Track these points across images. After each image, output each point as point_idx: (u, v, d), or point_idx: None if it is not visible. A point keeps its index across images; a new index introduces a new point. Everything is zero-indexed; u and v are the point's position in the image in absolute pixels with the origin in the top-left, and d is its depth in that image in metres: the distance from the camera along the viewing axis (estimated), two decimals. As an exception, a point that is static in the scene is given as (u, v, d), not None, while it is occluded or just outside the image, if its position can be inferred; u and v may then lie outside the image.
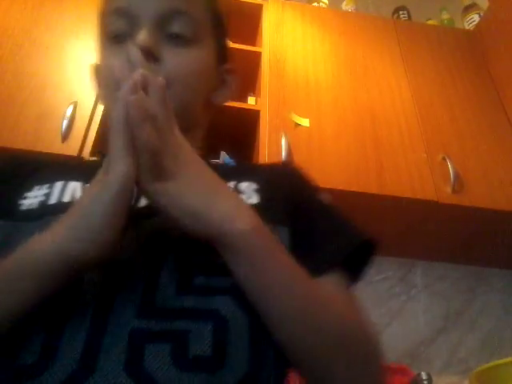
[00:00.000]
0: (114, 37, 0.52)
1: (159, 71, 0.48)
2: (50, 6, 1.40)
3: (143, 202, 0.45)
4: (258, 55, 1.49)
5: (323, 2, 1.88)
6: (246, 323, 0.40)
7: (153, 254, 0.42)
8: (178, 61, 0.51)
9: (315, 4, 1.85)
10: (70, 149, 1.14)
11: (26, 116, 1.17)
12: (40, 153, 0.52)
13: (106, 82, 0.52)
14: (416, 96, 1.50)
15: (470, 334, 1.50)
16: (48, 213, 0.45)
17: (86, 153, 1.15)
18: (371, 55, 1.59)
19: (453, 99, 1.53)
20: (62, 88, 1.24)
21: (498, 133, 1.46)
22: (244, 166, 0.59)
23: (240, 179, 0.51)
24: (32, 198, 0.48)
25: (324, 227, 0.51)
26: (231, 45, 1.51)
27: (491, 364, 1.01)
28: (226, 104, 1.35)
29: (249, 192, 0.50)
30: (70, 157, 0.50)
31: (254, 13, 1.62)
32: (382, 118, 1.42)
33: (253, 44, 1.61)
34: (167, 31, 0.51)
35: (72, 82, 1.26)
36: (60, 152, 1.13)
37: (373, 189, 1.25)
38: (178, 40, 0.52)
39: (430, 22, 1.95)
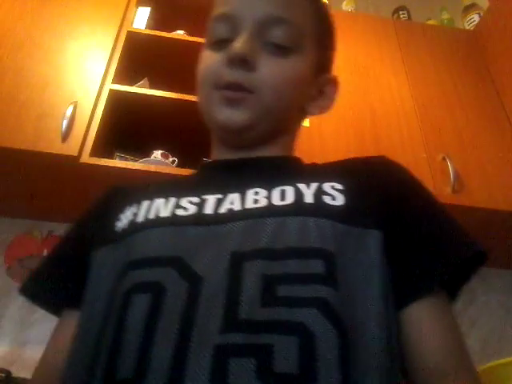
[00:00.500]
0: (215, 41, 0.55)
1: (251, 79, 0.51)
2: (50, 7, 1.40)
3: (224, 208, 0.47)
4: (258, 55, 1.49)
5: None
6: (336, 340, 0.36)
7: (234, 263, 0.40)
8: (272, 70, 0.52)
9: (315, 4, 1.85)
10: (70, 149, 1.14)
11: (27, 116, 1.17)
12: (133, 183, 0.56)
13: (203, 79, 0.55)
14: (416, 96, 1.50)
15: (470, 334, 1.50)
16: (135, 230, 0.47)
17: (86, 153, 1.15)
18: (371, 55, 1.59)
19: (453, 99, 1.53)
20: (62, 88, 1.24)
21: (498, 133, 1.46)
22: (331, 165, 0.55)
23: (323, 180, 0.49)
24: (124, 219, 0.50)
25: (425, 233, 0.46)
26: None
27: (491, 364, 1.01)
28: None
29: (333, 193, 0.47)
30: (159, 178, 0.53)
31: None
32: (381, 118, 1.42)
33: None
34: (266, 39, 0.52)
35: (72, 82, 1.26)
36: (60, 152, 1.13)
37: (373, 189, 1.25)
38: (276, 49, 0.52)
39: (429, 22, 1.95)
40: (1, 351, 1.29)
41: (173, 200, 0.49)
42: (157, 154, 1.31)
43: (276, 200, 0.46)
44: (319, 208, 0.45)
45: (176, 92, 1.31)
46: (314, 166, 0.58)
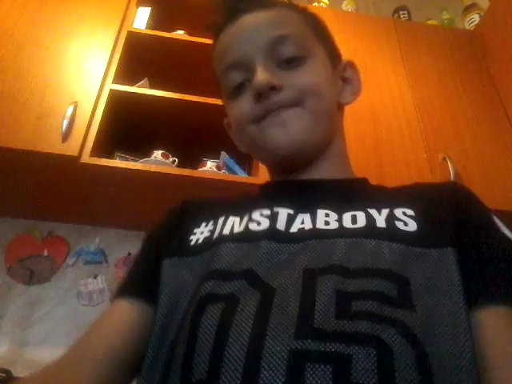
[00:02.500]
0: (233, 89, 0.56)
1: (286, 96, 0.52)
2: (50, 7, 1.40)
3: (295, 228, 0.48)
4: (258, 55, 1.49)
5: (323, 2, 1.89)
6: (414, 358, 0.35)
7: (307, 277, 0.41)
8: (300, 79, 0.53)
9: (315, 4, 1.85)
10: (70, 149, 1.14)
11: (27, 116, 1.17)
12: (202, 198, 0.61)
13: (240, 125, 0.56)
14: (416, 96, 1.50)
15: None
16: (211, 245, 0.49)
17: (86, 153, 1.15)
18: (371, 55, 1.59)
19: (453, 99, 1.53)
20: (63, 88, 1.24)
21: (498, 133, 1.46)
22: (399, 190, 0.55)
23: (394, 205, 0.49)
24: (198, 234, 0.53)
25: (497, 253, 0.45)
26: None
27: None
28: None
29: (405, 219, 0.47)
30: (232, 194, 0.54)
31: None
32: (382, 118, 1.42)
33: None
34: (279, 58, 0.54)
35: (72, 82, 1.26)
36: (60, 152, 1.13)
37: (373, 189, 1.25)
38: (290, 63, 0.54)
39: (430, 22, 1.95)
40: (1, 351, 1.29)
41: (246, 216, 0.52)
42: (157, 153, 1.31)
43: (347, 223, 0.47)
44: (392, 233, 0.45)
45: (176, 92, 1.31)
46: (381, 189, 0.57)
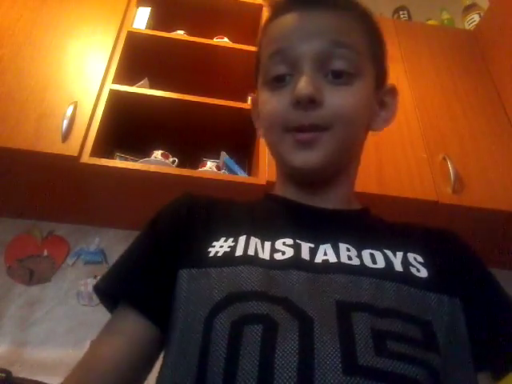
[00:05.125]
0: (273, 79, 0.54)
1: (322, 116, 0.50)
2: (50, 7, 1.40)
3: (319, 258, 0.48)
4: (258, 55, 1.49)
5: (323, 2, 1.88)
6: None
7: (342, 310, 0.42)
8: (340, 102, 0.51)
9: (315, 4, 1.85)
10: (70, 149, 1.14)
11: (27, 116, 1.17)
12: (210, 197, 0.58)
13: (271, 123, 0.55)
14: (416, 96, 1.50)
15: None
16: (236, 262, 0.47)
17: (87, 153, 1.15)
18: (371, 55, 1.58)
19: (453, 99, 1.52)
20: (63, 88, 1.24)
21: (498, 133, 1.46)
22: (404, 229, 0.57)
23: (406, 249, 0.51)
24: (218, 247, 0.50)
25: (500, 305, 0.51)
26: (231, 45, 1.52)
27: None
28: (226, 104, 1.36)
29: (417, 265, 0.49)
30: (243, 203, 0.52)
31: (254, 13, 1.62)
32: (382, 118, 1.42)
33: (253, 44, 1.61)
34: (327, 69, 0.51)
35: (72, 82, 1.26)
36: (60, 152, 1.13)
37: (373, 188, 1.25)
38: (338, 78, 0.51)
39: (430, 22, 1.95)
40: (1, 351, 1.29)
41: (269, 242, 0.50)
42: (157, 153, 1.31)
43: (368, 262, 0.48)
44: (409, 277, 0.47)
45: (176, 92, 1.31)
46: (387, 225, 0.58)
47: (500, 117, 1.50)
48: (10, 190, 1.33)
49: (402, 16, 1.98)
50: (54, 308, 1.38)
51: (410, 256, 0.50)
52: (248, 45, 1.48)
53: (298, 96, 0.49)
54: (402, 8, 2.01)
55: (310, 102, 0.49)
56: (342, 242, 0.50)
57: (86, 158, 1.15)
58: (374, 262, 0.48)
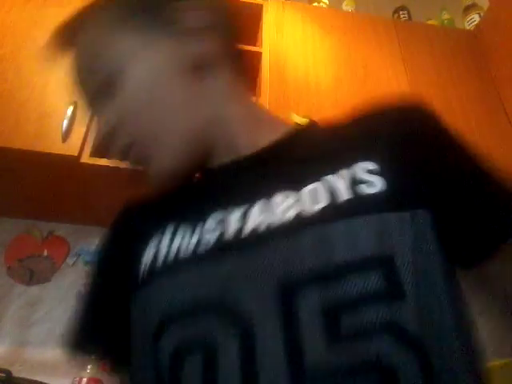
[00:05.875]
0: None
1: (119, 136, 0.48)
2: (50, 7, 1.39)
3: (248, 228, 0.40)
4: (258, 55, 1.49)
5: (323, 2, 1.88)
6: (418, 368, 0.32)
7: (285, 298, 0.35)
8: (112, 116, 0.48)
9: (315, 4, 1.85)
10: (70, 149, 1.14)
11: (27, 116, 1.17)
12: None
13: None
14: (416, 96, 1.50)
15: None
16: (158, 276, 0.42)
17: (87, 153, 1.15)
18: (371, 55, 1.58)
19: (453, 99, 1.52)
20: (63, 88, 1.24)
21: (499, 133, 1.46)
22: (350, 132, 0.45)
23: (352, 161, 0.41)
24: (146, 258, 0.45)
25: (481, 205, 0.41)
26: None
27: (491, 364, 1.01)
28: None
29: (369, 178, 0.39)
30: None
31: (254, 13, 1.62)
32: (382, 118, 1.42)
33: (253, 44, 1.61)
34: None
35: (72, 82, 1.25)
36: (60, 152, 1.13)
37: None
38: (106, 96, 0.48)
39: (430, 22, 1.95)
40: (1, 351, 1.29)
41: (199, 226, 0.43)
42: (157, 154, 1.31)
43: (308, 205, 0.39)
44: (359, 203, 0.38)
45: (176, 92, 1.31)
46: (332, 135, 0.47)
47: (500, 117, 1.50)
48: (10, 189, 1.33)
49: (401, 16, 1.98)
50: (54, 308, 1.38)
51: (359, 168, 0.40)
52: (248, 45, 1.48)
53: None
54: (402, 8, 2.01)
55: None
56: (277, 192, 0.41)
57: (85, 158, 1.15)
58: (315, 200, 0.39)
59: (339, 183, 0.40)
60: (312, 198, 0.39)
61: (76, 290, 1.42)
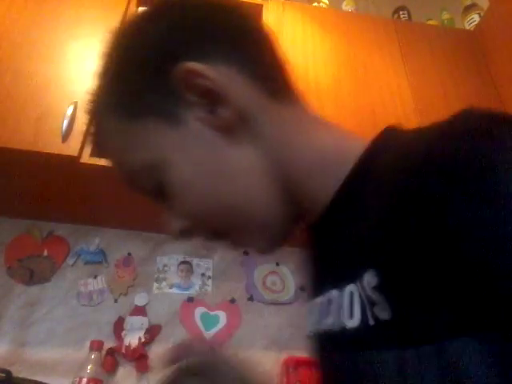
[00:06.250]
0: None
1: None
2: (49, 7, 1.39)
3: (345, 321, 0.33)
4: (258, 55, 1.49)
5: (323, 2, 1.88)
6: None
7: None
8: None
9: (315, 4, 1.85)
10: (70, 149, 1.14)
11: (26, 116, 1.17)
12: None
13: None
14: (416, 96, 1.50)
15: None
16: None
17: (87, 153, 1.15)
18: (371, 55, 1.58)
19: (453, 99, 1.52)
20: (63, 88, 1.24)
21: (498, 133, 1.46)
22: (366, 225, 0.33)
23: (362, 268, 0.30)
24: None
25: None
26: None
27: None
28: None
29: (374, 298, 0.29)
30: None
31: (254, 13, 1.62)
32: (382, 118, 1.42)
33: (253, 44, 1.61)
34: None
35: (72, 82, 1.26)
36: (60, 152, 1.13)
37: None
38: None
39: (430, 22, 1.95)
40: (1, 351, 1.29)
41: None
42: (157, 154, 1.31)
43: (346, 318, 0.33)
44: (368, 339, 0.31)
45: (176, 92, 1.31)
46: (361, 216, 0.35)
47: (500, 117, 1.50)
48: (10, 189, 1.33)
49: (402, 16, 1.98)
50: (54, 308, 1.38)
51: (365, 284, 0.30)
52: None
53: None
54: (402, 8, 2.01)
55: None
56: (345, 282, 0.34)
57: (85, 158, 1.15)
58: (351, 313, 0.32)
59: (344, 307, 0.33)
60: (349, 307, 0.33)
61: (76, 290, 1.42)
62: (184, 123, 0.39)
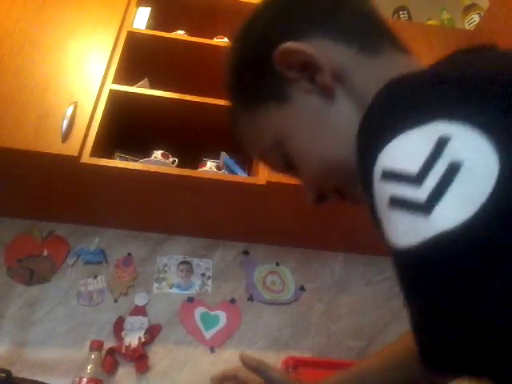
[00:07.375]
0: None
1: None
2: (50, 7, 1.39)
3: None
4: (258, 55, 1.49)
5: (323, 2, 1.88)
6: None
7: None
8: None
9: (315, 4, 1.85)
10: (70, 149, 1.14)
11: (27, 116, 1.17)
12: None
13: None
14: (416, 96, 1.50)
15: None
16: None
17: (87, 153, 1.15)
18: (371, 55, 1.58)
19: (453, 99, 1.53)
20: (63, 88, 1.24)
21: (498, 133, 1.46)
22: None
23: None
24: None
25: None
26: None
27: None
28: (227, 104, 1.35)
29: None
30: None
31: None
32: (382, 118, 1.42)
33: (253, 44, 1.61)
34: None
35: (72, 82, 1.26)
36: (60, 152, 1.13)
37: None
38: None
39: (430, 22, 1.95)
40: (1, 351, 1.29)
41: None
42: (157, 154, 1.31)
43: None
44: None
45: (176, 92, 1.31)
46: None
47: (500, 117, 1.50)
48: (10, 189, 1.33)
49: (401, 16, 1.98)
50: (54, 308, 1.39)
51: None
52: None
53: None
54: (402, 8, 2.01)
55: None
56: None
57: (86, 158, 1.15)
58: None
59: None
60: None
61: (76, 290, 1.43)
62: (292, 99, 0.45)
